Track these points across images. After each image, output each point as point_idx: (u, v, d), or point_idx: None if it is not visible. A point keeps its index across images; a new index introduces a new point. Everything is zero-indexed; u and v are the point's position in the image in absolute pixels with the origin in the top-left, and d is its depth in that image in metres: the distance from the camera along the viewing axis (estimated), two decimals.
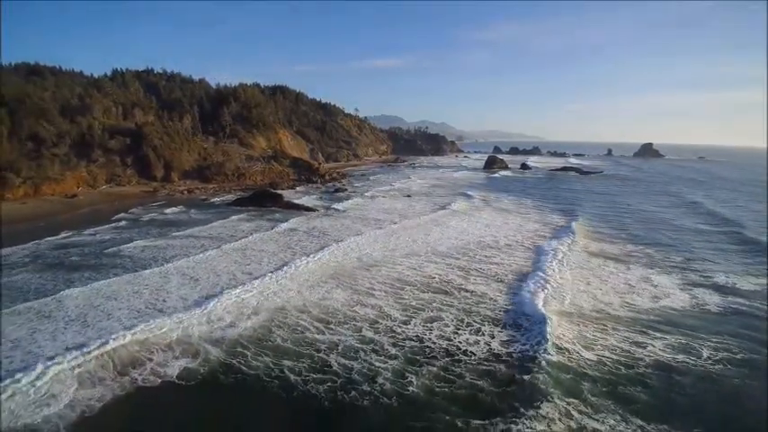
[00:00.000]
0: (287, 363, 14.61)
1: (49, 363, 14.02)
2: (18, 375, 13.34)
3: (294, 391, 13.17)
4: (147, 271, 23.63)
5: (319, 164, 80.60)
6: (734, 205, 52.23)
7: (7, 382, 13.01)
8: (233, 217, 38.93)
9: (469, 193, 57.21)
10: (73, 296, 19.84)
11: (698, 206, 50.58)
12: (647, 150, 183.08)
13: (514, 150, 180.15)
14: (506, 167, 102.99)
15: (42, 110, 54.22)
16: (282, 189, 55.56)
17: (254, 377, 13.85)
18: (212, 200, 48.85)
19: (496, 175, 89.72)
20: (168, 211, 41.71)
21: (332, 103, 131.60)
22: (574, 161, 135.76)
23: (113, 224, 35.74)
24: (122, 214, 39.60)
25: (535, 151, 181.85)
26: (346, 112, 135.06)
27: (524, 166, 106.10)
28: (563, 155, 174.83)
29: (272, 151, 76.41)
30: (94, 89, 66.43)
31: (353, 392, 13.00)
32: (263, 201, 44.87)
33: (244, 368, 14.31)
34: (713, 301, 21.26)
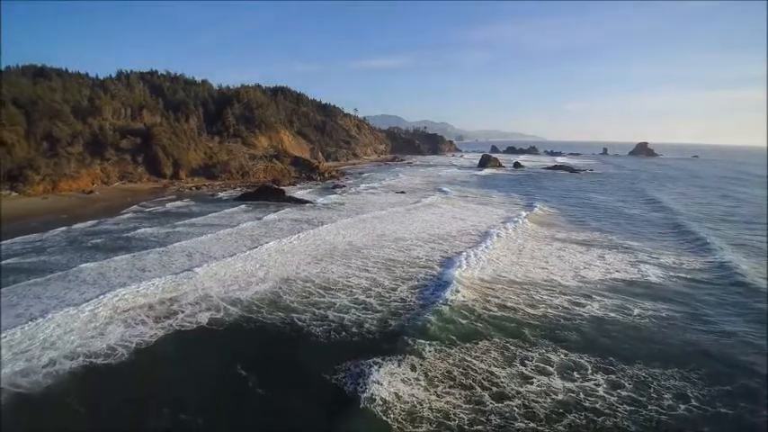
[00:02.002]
0: (295, 315, 18.36)
1: (100, 308, 18.01)
2: (76, 313, 17.42)
3: (301, 332, 17.01)
4: (167, 247, 27.83)
5: (319, 162, 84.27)
6: (694, 202, 55.35)
7: (71, 313, 17.00)
8: (239, 208, 42.80)
9: (449, 189, 60.98)
10: (107, 267, 23.78)
11: (660, 202, 53.63)
12: (642, 149, 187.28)
13: (511, 150, 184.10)
14: (499, 166, 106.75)
15: (57, 111, 57.77)
16: (284, 185, 59.23)
17: (271, 325, 17.63)
18: (219, 195, 52.61)
19: (485, 172, 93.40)
20: (179, 204, 45.52)
21: (332, 104, 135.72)
22: (565, 160, 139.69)
23: (130, 215, 39.63)
24: (136, 207, 43.38)
25: (532, 150, 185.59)
26: (346, 112, 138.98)
27: (517, 165, 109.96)
28: (559, 154, 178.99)
29: (274, 150, 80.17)
30: (101, 90, 69.98)
31: (344, 333, 16.84)
32: (267, 195, 48.69)
33: (261, 319, 18.07)
34: (655, 274, 24.90)
